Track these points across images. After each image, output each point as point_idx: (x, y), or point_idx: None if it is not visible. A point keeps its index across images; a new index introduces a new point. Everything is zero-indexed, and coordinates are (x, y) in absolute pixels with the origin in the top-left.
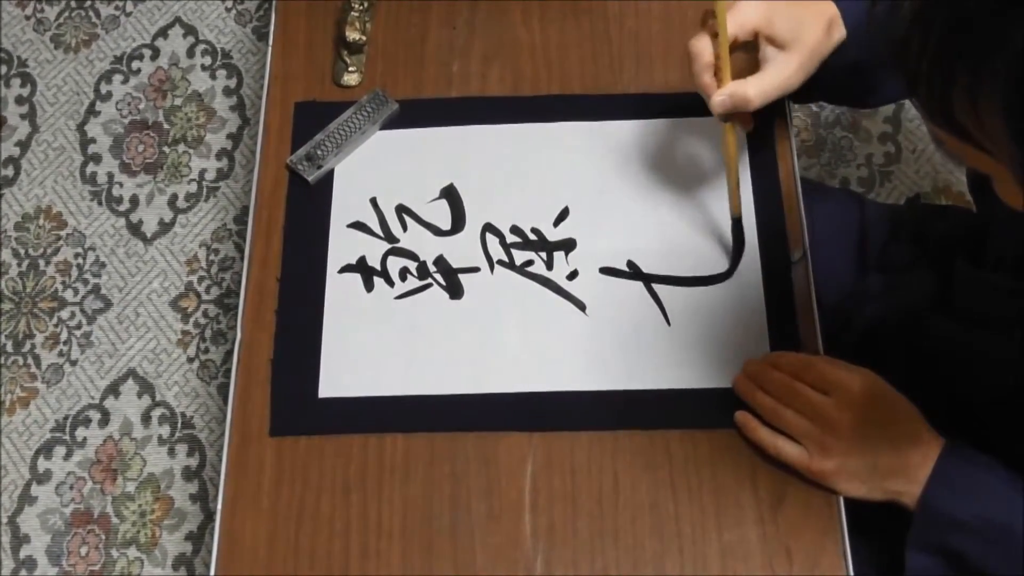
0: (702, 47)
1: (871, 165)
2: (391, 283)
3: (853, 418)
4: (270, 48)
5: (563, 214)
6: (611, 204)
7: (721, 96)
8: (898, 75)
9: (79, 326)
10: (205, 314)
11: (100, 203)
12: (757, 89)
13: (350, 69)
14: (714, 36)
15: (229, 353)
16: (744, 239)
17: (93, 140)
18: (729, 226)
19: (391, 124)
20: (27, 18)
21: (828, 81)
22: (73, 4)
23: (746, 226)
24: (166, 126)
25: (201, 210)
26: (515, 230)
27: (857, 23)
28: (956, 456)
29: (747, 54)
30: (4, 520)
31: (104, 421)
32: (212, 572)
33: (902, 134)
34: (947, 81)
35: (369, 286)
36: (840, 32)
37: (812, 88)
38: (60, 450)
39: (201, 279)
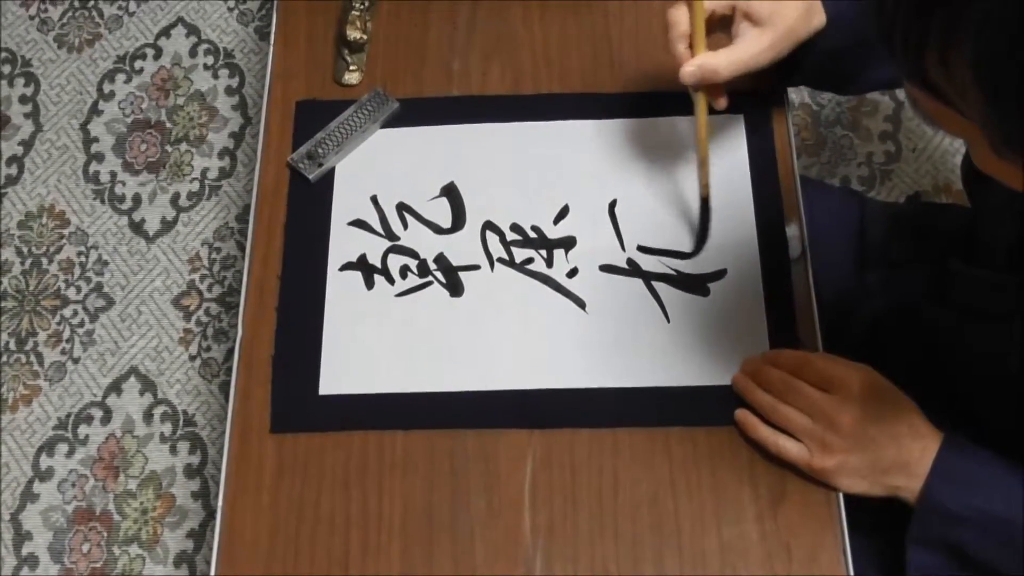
0: (679, 16)
1: (871, 164)
2: (391, 281)
3: (853, 414)
4: (271, 47)
5: (563, 212)
6: (611, 202)
7: (691, 67)
8: (878, 61)
9: (81, 324)
10: (207, 312)
11: (103, 202)
12: (727, 61)
13: (351, 68)
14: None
15: (231, 351)
16: (710, 220)
17: (96, 139)
18: (729, 224)
19: (392, 122)
20: (31, 18)
21: (809, 65)
22: (76, 4)
23: (745, 224)
24: (168, 125)
25: (203, 209)
26: (515, 228)
27: (838, 12)
28: (955, 450)
29: (725, 33)
30: (6, 517)
31: (106, 419)
32: (213, 567)
33: (902, 133)
34: (921, 36)
35: (370, 284)
36: (820, 18)
37: (793, 71)
38: (62, 447)
39: (203, 277)
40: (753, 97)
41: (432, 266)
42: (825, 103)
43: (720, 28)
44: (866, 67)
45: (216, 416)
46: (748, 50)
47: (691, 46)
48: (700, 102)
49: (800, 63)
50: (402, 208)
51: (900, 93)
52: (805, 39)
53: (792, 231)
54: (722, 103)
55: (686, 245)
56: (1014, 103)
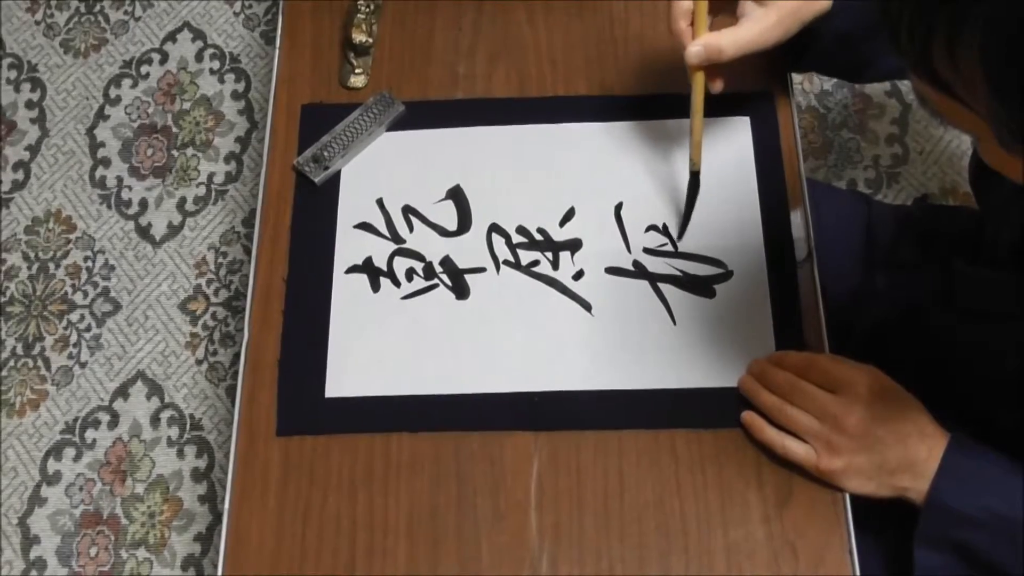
0: None
1: (878, 167)
2: (397, 283)
3: (859, 415)
4: (277, 51)
5: (569, 214)
6: (617, 204)
7: (696, 47)
8: (890, 48)
9: (88, 329)
10: (213, 316)
11: (109, 207)
12: (731, 40)
13: (356, 71)
14: None
15: (237, 355)
16: (697, 195)
17: (102, 144)
18: (735, 225)
19: (397, 125)
20: (37, 23)
21: (818, 50)
22: (83, 9)
23: (751, 226)
24: (175, 130)
25: (209, 213)
26: (521, 230)
27: None
28: (962, 450)
29: (730, 15)
30: (14, 521)
31: (113, 423)
32: (220, 570)
33: (909, 135)
34: (928, 30)
35: (375, 286)
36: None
37: (803, 56)
38: (70, 452)
39: (210, 282)
40: (760, 98)
41: (438, 269)
42: (832, 106)
43: (725, 10)
44: (878, 54)
45: (223, 420)
46: (753, 29)
47: (693, 26)
48: (697, 82)
49: (809, 47)
50: (408, 211)
51: (907, 96)
52: (811, 20)
53: (798, 233)
54: (718, 86)
55: (692, 247)
56: (1022, 96)
